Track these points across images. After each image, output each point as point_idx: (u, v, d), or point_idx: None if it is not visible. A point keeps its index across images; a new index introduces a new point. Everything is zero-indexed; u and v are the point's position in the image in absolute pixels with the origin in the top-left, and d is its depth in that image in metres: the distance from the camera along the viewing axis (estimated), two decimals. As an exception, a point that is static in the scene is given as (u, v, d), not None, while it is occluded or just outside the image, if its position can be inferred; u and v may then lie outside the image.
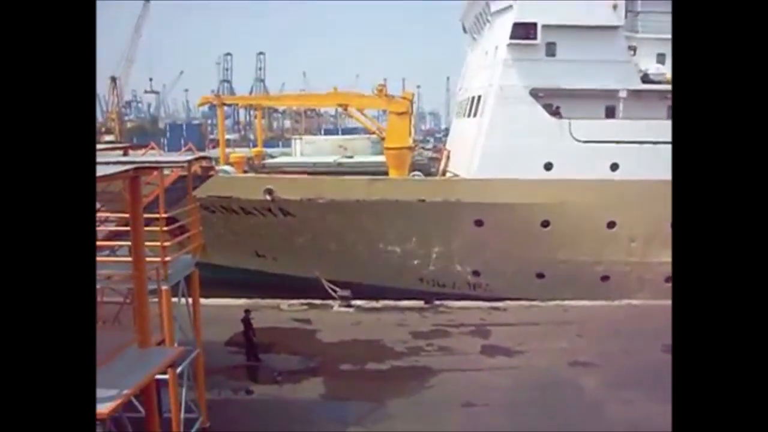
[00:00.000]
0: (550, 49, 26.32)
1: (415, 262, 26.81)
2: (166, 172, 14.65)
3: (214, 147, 60.06)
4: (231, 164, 30.00)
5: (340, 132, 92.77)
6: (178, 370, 12.36)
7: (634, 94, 26.24)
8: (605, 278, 26.00)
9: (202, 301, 14.61)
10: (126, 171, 10.52)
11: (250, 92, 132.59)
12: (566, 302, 23.69)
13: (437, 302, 23.84)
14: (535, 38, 26.04)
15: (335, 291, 24.46)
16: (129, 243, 11.62)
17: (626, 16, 26.85)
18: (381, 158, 30.20)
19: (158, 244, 12.12)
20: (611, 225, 25.57)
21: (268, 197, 25.84)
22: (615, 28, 26.07)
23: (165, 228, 12.28)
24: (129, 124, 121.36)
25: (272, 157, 38.65)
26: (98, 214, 15.06)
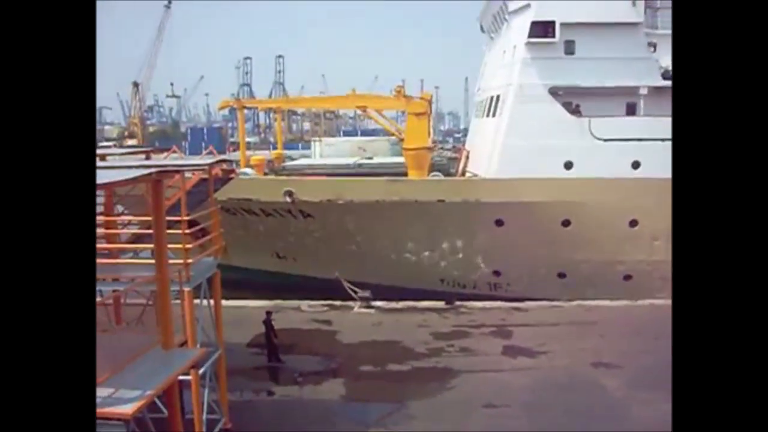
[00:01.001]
0: (569, 47, 26.16)
1: (436, 262, 26.77)
2: (187, 175, 14.81)
3: (234, 150, 60.29)
4: (251, 167, 30.15)
5: (359, 133, 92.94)
6: (201, 371, 12.45)
7: (655, 91, 25.97)
8: (627, 277, 25.76)
9: (224, 302, 14.69)
10: (149, 174, 10.64)
11: (270, 95, 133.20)
12: (588, 302, 23.51)
13: (458, 303, 23.75)
14: (553, 36, 25.91)
15: (355, 292, 24.49)
16: (152, 246, 11.73)
17: (646, 13, 26.60)
18: (400, 159, 30.20)
19: (180, 246, 12.22)
20: (633, 224, 25.34)
21: (288, 199, 25.94)
22: (635, 24, 25.84)
23: (187, 230, 12.37)
24: (151, 129, 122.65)
25: (292, 159, 38.79)
26: (121, 217, 15.24)
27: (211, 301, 13.98)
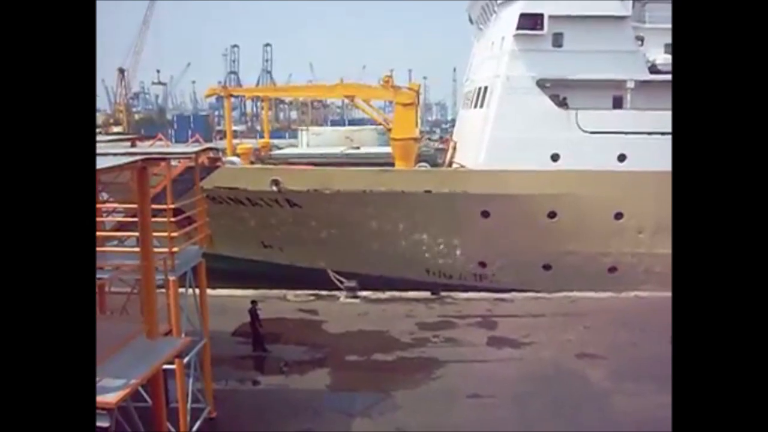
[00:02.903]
0: (557, 40, 26.16)
1: (422, 253, 26.78)
2: (173, 163, 14.65)
3: (221, 138, 60.13)
4: (238, 155, 29.98)
5: (346, 123, 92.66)
6: (185, 360, 12.39)
7: (642, 84, 26.06)
8: (612, 270, 25.92)
9: (209, 291, 14.62)
10: (134, 162, 10.53)
11: (257, 84, 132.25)
12: (573, 294, 23.61)
13: (444, 293, 23.79)
14: (541, 29, 25.88)
15: (342, 282, 24.46)
16: (137, 234, 11.63)
17: (633, 6, 26.63)
18: (387, 149, 30.12)
19: (166, 235, 12.13)
20: (618, 216, 25.46)
21: (274, 188, 25.83)
22: (623, 18, 25.86)
23: (172, 219, 12.29)
24: (137, 116, 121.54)
25: (279, 148, 38.58)
26: (106, 205, 15.09)
27: (197, 290, 13.92)
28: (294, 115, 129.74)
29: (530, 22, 25.97)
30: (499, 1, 28.29)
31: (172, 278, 12.20)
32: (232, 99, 39.15)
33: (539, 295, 23.68)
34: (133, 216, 12.12)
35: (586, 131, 25.63)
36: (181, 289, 12.87)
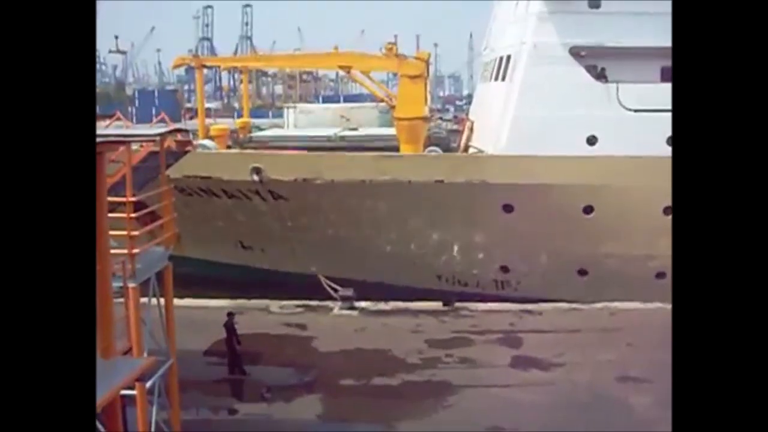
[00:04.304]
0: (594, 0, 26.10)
1: (432, 256, 26.76)
2: (134, 147, 14.62)
3: (191, 118, 60.01)
4: (211, 138, 29.93)
5: (341, 100, 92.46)
6: (148, 384, 12.31)
7: (697, 53, 25.95)
8: (661, 275, 25.78)
9: (177, 301, 14.60)
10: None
11: (235, 52, 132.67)
12: (614, 304, 23.58)
13: (458, 304, 23.80)
14: (576, -14, 25.84)
15: (335, 290, 24.45)
16: (89, 232, 11.60)
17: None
18: (391, 131, 30.09)
19: (125, 233, 12.08)
20: (668, 211, 25.38)
21: (255, 177, 25.79)
22: (673, -27, 25.76)
23: (133, 214, 12.26)
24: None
25: (261, 129, 38.57)
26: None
27: (162, 300, 13.89)
28: (279, 89, 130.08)
29: (562, -23, 25.94)
30: (524, -47, 28.21)
31: (132, 286, 12.14)
32: (205, 70, 39.14)
33: (573, 306, 23.66)
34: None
35: (628, 109, 25.53)
36: (144, 299, 12.84)
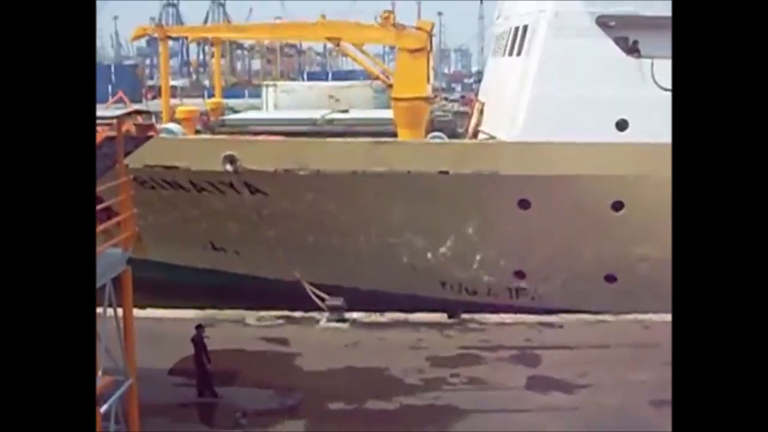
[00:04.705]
0: (626, -40, 26.13)
1: (435, 259, 26.78)
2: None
3: (153, 97, 60.09)
4: (177, 121, 29.94)
5: (329, 77, 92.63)
6: (103, 408, 12.39)
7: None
8: (701, 282, 25.94)
9: (137, 312, 14.61)
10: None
11: (205, 21, 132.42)
12: (647, 316, 23.61)
13: (465, 315, 23.84)
14: (604, -56, 25.86)
15: (322, 299, 24.44)
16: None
17: None
18: (387, 113, 30.08)
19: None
20: (710, 207, 25.47)
21: (229, 168, 25.77)
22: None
23: (84, 210, 12.24)
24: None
25: (235, 111, 38.49)
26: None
27: (119, 310, 13.89)
28: (257, 65, 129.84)
29: (588, -67, 25.95)
30: None
31: (84, 294, 12.14)
32: (170, 42, 39.10)
33: (599, 317, 23.71)
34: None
35: (664, 89, 25.55)
36: (98, 309, 12.81)
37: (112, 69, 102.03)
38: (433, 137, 28.07)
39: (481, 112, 31.36)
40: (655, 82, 25.62)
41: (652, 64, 25.70)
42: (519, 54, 27.81)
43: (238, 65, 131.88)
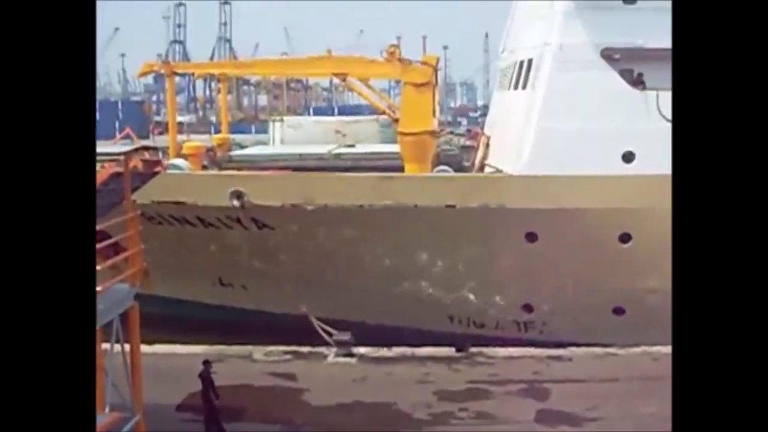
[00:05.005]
0: (630, -6, 26.30)
1: (443, 292, 26.75)
2: (93, 168, 14.75)
3: (160, 133, 60.47)
4: (184, 157, 30.04)
5: (336, 112, 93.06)
6: (111, 445, 12.36)
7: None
8: (711, 314, 25.85)
9: (144, 348, 14.62)
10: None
11: (212, 57, 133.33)
12: (656, 348, 23.50)
13: (473, 349, 23.78)
14: (608, -23, 26.04)
15: (330, 334, 24.40)
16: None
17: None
18: (394, 147, 30.19)
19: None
20: (718, 239, 25.43)
21: (236, 203, 25.85)
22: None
23: (92, 246, 12.30)
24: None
25: (242, 147, 38.70)
26: None
27: (127, 346, 13.91)
28: (263, 100, 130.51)
29: (592, -31, 26.14)
30: (547, -59, 28.46)
31: (92, 329, 12.17)
32: (177, 78, 39.36)
33: (608, 350, 23.62)
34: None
35: (670, 120, 25.61)
36: (105, 345, 12.85)
37: (120, 105, 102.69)
38: (440, 171, 28.18)
39: (487, 145, 31.44)
40: (661, 114, 25.71)
41: (657, 96, 25.77)
42: (524, 87, 27.93)
43: (245, 101, 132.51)
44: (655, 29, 25.66)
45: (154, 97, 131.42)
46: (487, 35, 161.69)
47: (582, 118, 25.49)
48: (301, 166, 30.19)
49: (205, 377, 18.20)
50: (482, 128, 38.06)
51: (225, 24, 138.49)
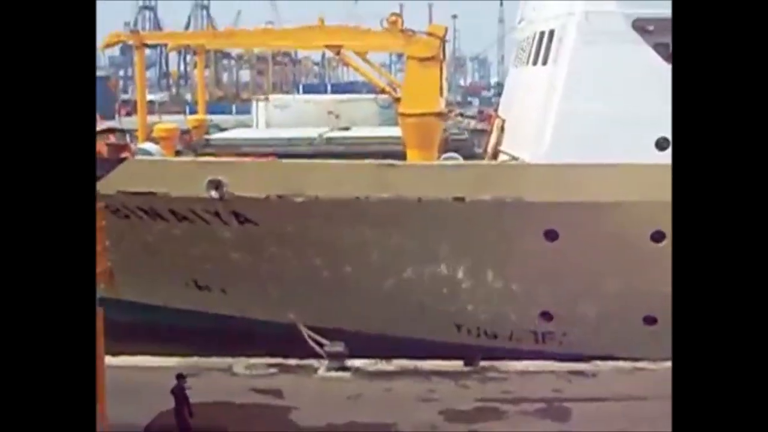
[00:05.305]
0: (665, -45, 26.28)
1: (449, 298, 26.81)
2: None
3: (128, 113, 60.34)
4: (155, 141, 30.07)
5: (328, 89, 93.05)
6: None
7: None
8: (755, 324, 25.90)
9: (109, 360, 14.64)
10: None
11: (187, 26, 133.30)
12: (692, 363, 23.54)
13: (484, 363, 23.82)
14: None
15: (321, 344, 24.45)
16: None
17: None
18: (395, 131, 30.23)
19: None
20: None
21: (214, 194, 25.87)
22: None
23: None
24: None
25: (221, 129, 38.73)
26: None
27: (89, 359, 13.91)
28: (246, 76, 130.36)
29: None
30: None
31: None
32: (147, 51, 39.37)
33: (637, 365, 23.67)
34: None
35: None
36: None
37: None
38: (447, 158, 28.18)
39: (502, 129, 31.44)
40: (700, 95, 25.73)
41: (696, 74, 25.81)
42: (545, 63, 27.95)
43: (225, 77, 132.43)
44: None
45: (121, 72, 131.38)
46: (502, 3, 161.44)
47: (610, 99, 25.47)
48: (289, 152, 30.21)
49: (179, 393, 18.25)
50: (496, 109, 38.08)
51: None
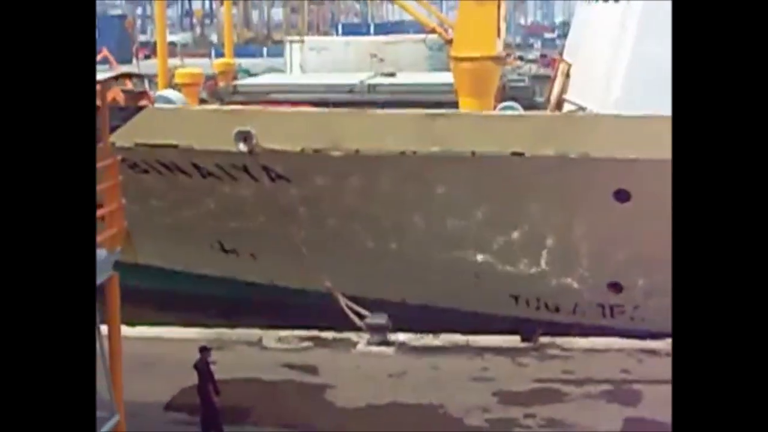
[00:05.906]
0: None
1: (506, 265, 26.79)
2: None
3: (147, 56, 60.59)
4: (177, 87, 30.18)
5: (371, 30, 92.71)
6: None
7: None
8: None
9: (126, 330, 14.76)
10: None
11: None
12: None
13: (544, 339, 23.86)
14: None
15: (361, 316, 24.52)
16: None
17: None
18: (446, 77, 30.12)
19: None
20: None
21: (243, 147, 25.95)
22: None
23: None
24: None
25: (251, 74, 38.76)
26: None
27: (104, 328, 14.07)
28: (278, 15, 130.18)
29: None
30: None
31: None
32: (168, -14, 39.41)
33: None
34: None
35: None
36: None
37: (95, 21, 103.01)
38: (505, 108, 28.04)
39: (567, 75, 31.25)
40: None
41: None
42: (616, 0, 27.70)
43: (254, 15, 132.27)
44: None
45: (139, 10, 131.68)
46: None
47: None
48: (326, 100, 30.22)
49: (202, 368, 18.37)
50: (561, 53, 37.80)
51: None
